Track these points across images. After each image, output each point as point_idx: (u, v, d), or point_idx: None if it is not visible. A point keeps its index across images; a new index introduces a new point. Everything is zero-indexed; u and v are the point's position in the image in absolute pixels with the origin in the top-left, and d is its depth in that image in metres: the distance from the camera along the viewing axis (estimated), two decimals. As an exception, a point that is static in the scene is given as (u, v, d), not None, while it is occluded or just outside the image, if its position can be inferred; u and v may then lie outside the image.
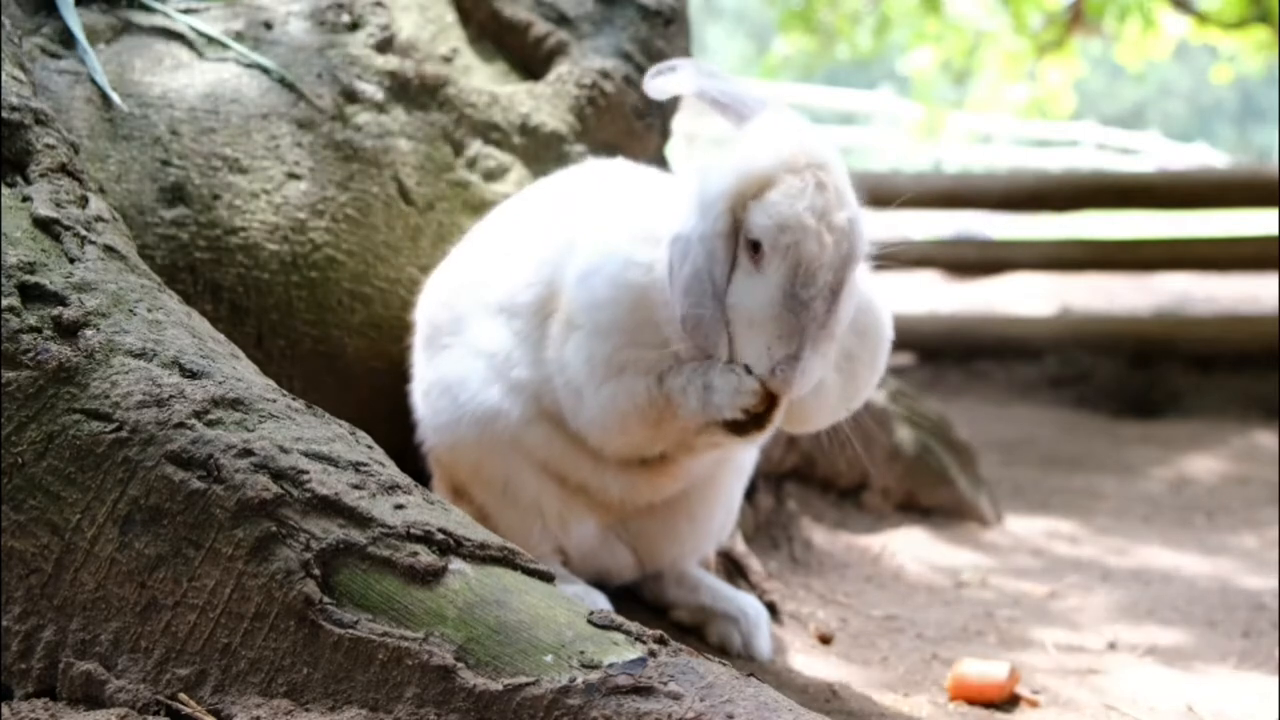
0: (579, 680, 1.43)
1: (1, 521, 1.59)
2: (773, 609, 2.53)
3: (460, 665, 1.46)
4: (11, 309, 1.66)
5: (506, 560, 1.59)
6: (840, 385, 2.03)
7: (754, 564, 2.66)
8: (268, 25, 2.65)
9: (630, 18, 2.91)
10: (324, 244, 2.48)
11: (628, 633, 1.50)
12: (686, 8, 3.04)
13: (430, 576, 1.53)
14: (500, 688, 1.44)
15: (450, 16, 2.87)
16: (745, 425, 1.95)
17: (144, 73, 2.46)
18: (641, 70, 2.85)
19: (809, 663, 2.37)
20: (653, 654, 1.47)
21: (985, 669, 2.26)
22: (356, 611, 1.51)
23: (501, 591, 1.53)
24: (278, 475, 1.57)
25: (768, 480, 3.06)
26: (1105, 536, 3.72)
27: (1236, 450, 5.15)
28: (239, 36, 2.60)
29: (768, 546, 2.92)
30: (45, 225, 1.78)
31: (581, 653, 1.46)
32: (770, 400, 1.91)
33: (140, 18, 2.56)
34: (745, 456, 2.38)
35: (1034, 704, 2.25)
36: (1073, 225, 9.49)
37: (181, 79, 2.47)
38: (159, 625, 1.55)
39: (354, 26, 2.70)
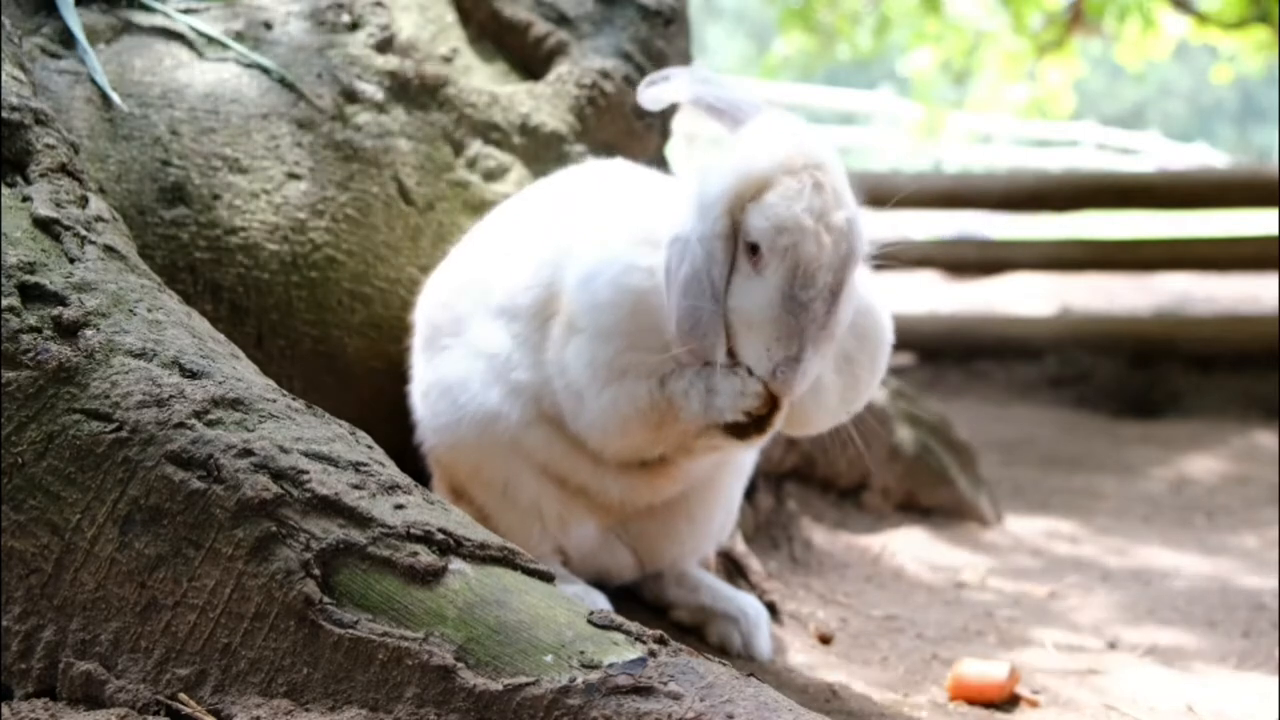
0: (579, 680, 1.43)
1: (1, 521, 1.59)
2: (773, 609, 2.53)
3: (460, 665, 1.46)
4: (11, 309, 1.66)
5: (506, 560, 1.59)
6: (840, 388, 2.03)
7: (754, 564, 2.66)
8: (268, 25, 2.65)
9: (630, 18, 2.91)
10: (324, 244, 2.48)
11: (628, 633, 1.50)
12: (686, 8, 3.04)
13: (430, 576, 1.53)
14: (500, 688, 1.44)
15: (450, 16, 2.87)
16: (746, 428, 1.95)
17: (144, 73, 2.46)
18: (641, 70, 2.85)
19: (809, 663, 2.37)
20: (653, 654, 1.47)
21: (985, 669, 2.26)
22: (356, 611, 1.51)
23: (501, 591, 1.53)
24: (278, 475, 1.57)
25: (768, 480, 3.06)
26: (1105, 536, 3.72)
27: (1236, 450, 5.15)
28: (239, 36, 2.60)
29: (768, 546, 2.92)
30: (45, 225, 1.78)
31: (581, 653, 1.46)
32: (772, 403, 1.92)
33: (140, 18, 2.56)
34: (745, 457, 2.38)
35: (1034, 704, 2.25)
36: (1073, 225, 9.49)
37: (181, 79, 2.47)
38: (159, 625, 1.55)
39: (354, 26, 2.70)
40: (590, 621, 1.51)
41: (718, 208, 1.87)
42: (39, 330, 1.66)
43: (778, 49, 15.43)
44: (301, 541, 1.53)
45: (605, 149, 2.75)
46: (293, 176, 2.48)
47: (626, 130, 2.82)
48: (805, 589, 2.80)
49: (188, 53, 2.53)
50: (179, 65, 2.50)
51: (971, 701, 2.24)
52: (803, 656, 2.40)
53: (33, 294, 1.69)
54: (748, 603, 2.38)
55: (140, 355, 1.66)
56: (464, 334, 2.21)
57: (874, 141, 19.15)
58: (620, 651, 1.47)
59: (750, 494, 2.83)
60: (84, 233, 1.79)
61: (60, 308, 1.68)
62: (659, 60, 2.90)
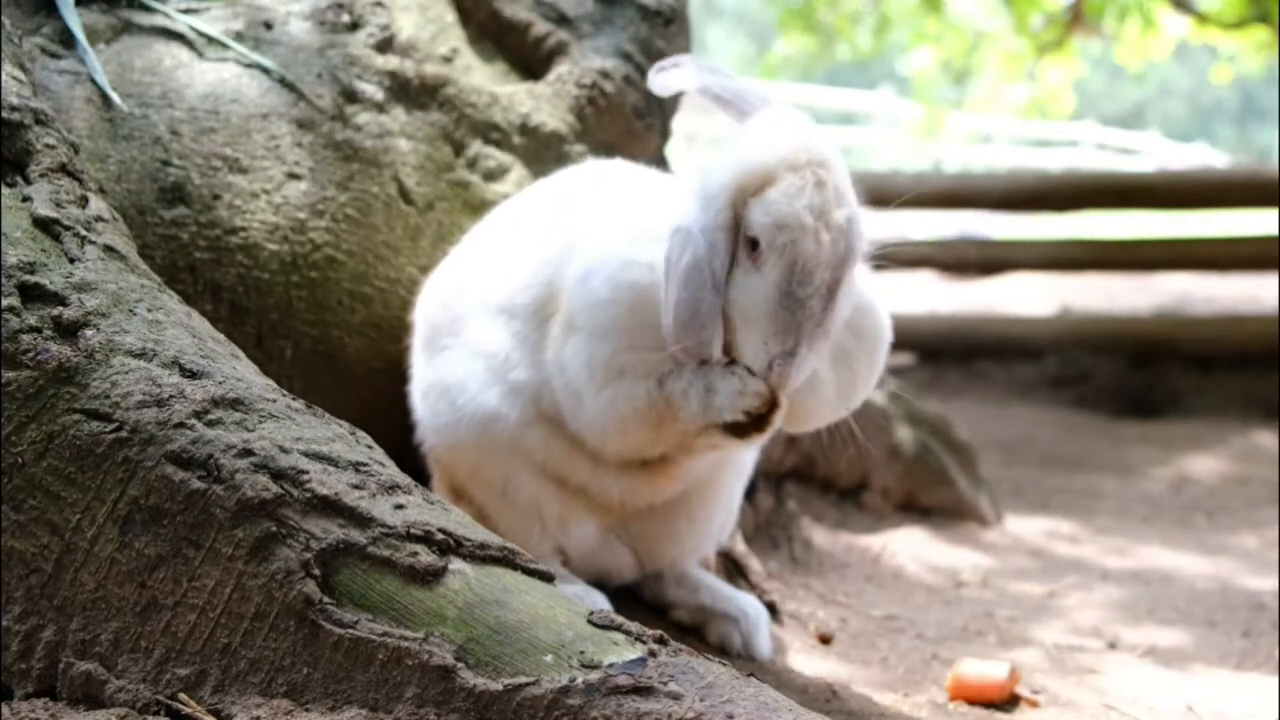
0: (579, 680, 1.43)
1: (1, 521, 1.59)
2: (773, 609, 2.53)
3: (460, 665, 1.46)
4: (11, 309, 1.66)
5: (506, 560, 1.59)
6: (838, 384, 2.03)
7: (754, 564, 2.66)
8: (268, 25, 2.65)
9: (630, 18, 2.91)
10: (324, 244, 2.48)
11: (628, 633, 1.50)
12: (686, 8, 3.04)
13: (430, 576, 1.53)
14: (500, 688, 1.44)
15: (450, 16, 2.87)
16: (745, 428, 1.95)
17: (144, 73, 2.46)
18: (641, 70, 2.85)
19: (809, 663, 2.37)
20: (653, 654, 1.47)
21: (985, 669, 2.26)
22: (356, 611, 1.51)
23: (501, 591, 1.53)
24: (278, 475, 1.57)
25: (768, 480, 3.06)
26: (1105, 536, 3.72)
27: (1236, 450, 5.15)
28: (239, 36, 2.60)
29: (768, 546, 2.92)
30: (45, 225, 1.78)
31: (581, 653, 1.46)
32: (771, 403, 1.92)
33: (140, 18, 2.56)
34: (745, 457, 2.38)
35: (1034, 704, 2.25)
36: (1073, 225, 9.49)
37: (181, 79, 2.47)
38: (159, 625, 1.55)
39: (354, 26, 2.70)
40: (590, 621, 1.51)
41: (720, 199, 1.87)
42: (39, 330, 1.66)
43: (778, 49, 15.43)
44: (301, 541, 1.53)
45: (605, 149, 2.75)
46: (293, 176, 2.48)
47: (626, 130, 2.82)
48: (805, 589, 2.80)
49: (188, 53, 2.53)
50: (179, 65, 2.50)
51: (971, 701, 2.24)
52: (803, 656, 2.40)
53: (33, 294, 1.69)
54: (748, 603, 2.38)
55: (140, 355, 1.66)
56: (463, 334, 2.21)
57: (874, 141, 19.16)
58: (620, 651, 1.47)
59: (750, 494, 2.83)
60: (84, 233, 1.79)
61: (60, 308, 1.68)
62: (659, 60, 2.90)
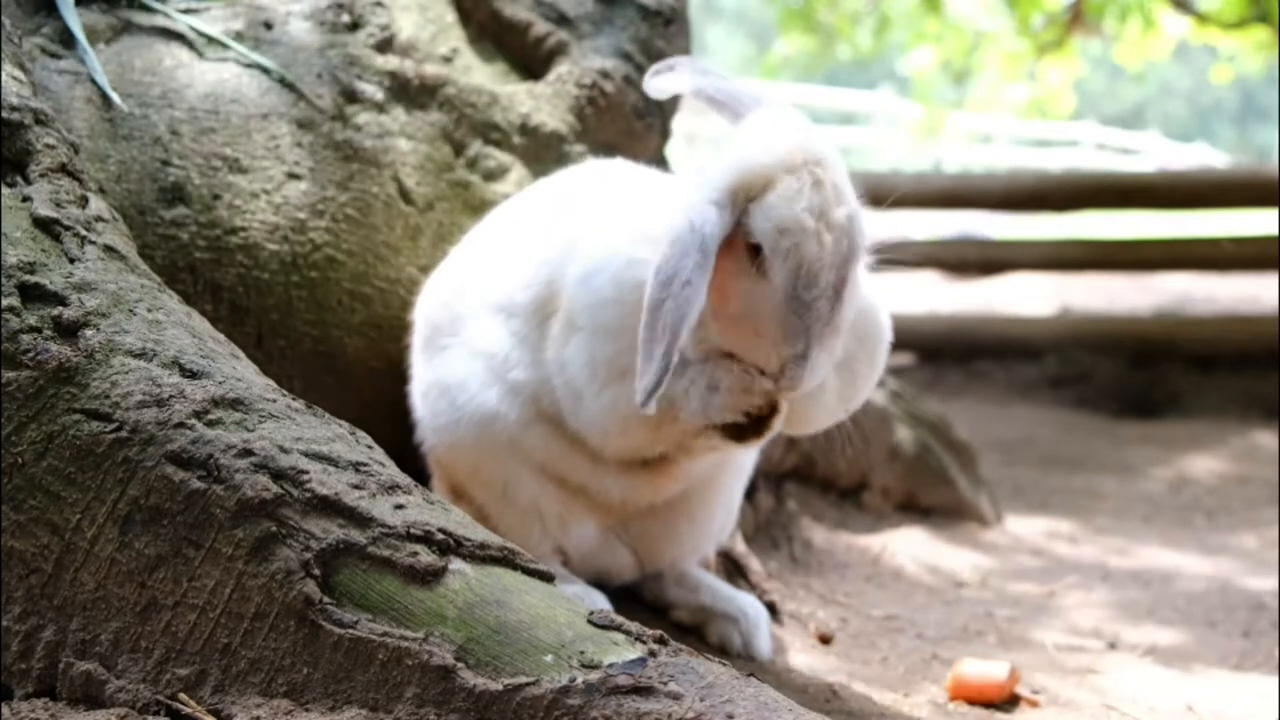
0: (579, 680, 1.43)
1: (1, 521, 1.59)
2: (773, 609, 2.53)
3: (460, 665, 1.46)
4: (11, 309, 1.66)
5: (506, 560, 1.59)
6: (839, 387, 2.03)
7: (754, 564, 2.66)
8: (268, 25, 2.65)
9: (630, 18, 2.91)
10: (324, 244, 2.48)
11: (628, 633, 1.50)
12: (686, 8, 3.04)
13: (430, 576, 1.53)
14: (500, 688, 1.44)
15: (450, 16, 2.87)
16: (745, 430, 1.95)
17: (144, 73, 2.46)
18: (641, 70, 2.85)
19: (809, 663, 2.37)
20: (653, 654, 1.47)
21: (985, 669, 2.26)
22: (356, 611, 1.51)
23: (501, 591, 1.53)
24: (278, 475, 1.57)
25: (768, 480, 3.06)
26: (1105, 536, 3.72)
27: (1236, 450, 5.15)
28: (239, 36, 2.60)
29: (768, 546, 2.92)
30: (45, 225, 1.78)
31: (581, 653, 1.46)
32: (771, 405, 1.91)
33: (140, 18, 2.56)
34: (746, 457, 2.38)
35: (1034, 704, 2.25)
36: (1073, 225, 9.49)
37: (181, 79, 2.47)
38: (159, 625, 1.55)
39: (354, 26, 2.70)
40: (590, 621, 1.51)
41: (717, 200, 1.85)
42: (39, 330, 1.66)
43: (778, 49, 15.43)
44: (301, 541, 1.53)
45: (605, 149, 2.75)
46: (293, 176, 2.48)
47: (626, 130, 2.82)
48: (805, 589, 2.80)
49: (188, 53, 2.53)
50: (179, 65, 2.50)
51: (971, 701, 2.24)
52: (803, 656, 2.40)
53: (33, 294, 1.69)
54: (748, 603, 2.37)
55: (140, 355, 1.66)
56: (463, 333, 2.21)
57: (874, 141, 19.15)
58: (620, 651, 1.47)
59: (750, 494, 2.83)
60: (84, 233, 1.79)
61: (60, 308, 1.68)
62: (659, 60, 2.90)
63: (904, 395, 3.60)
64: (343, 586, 1.52)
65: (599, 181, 2.26)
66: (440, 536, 1.56)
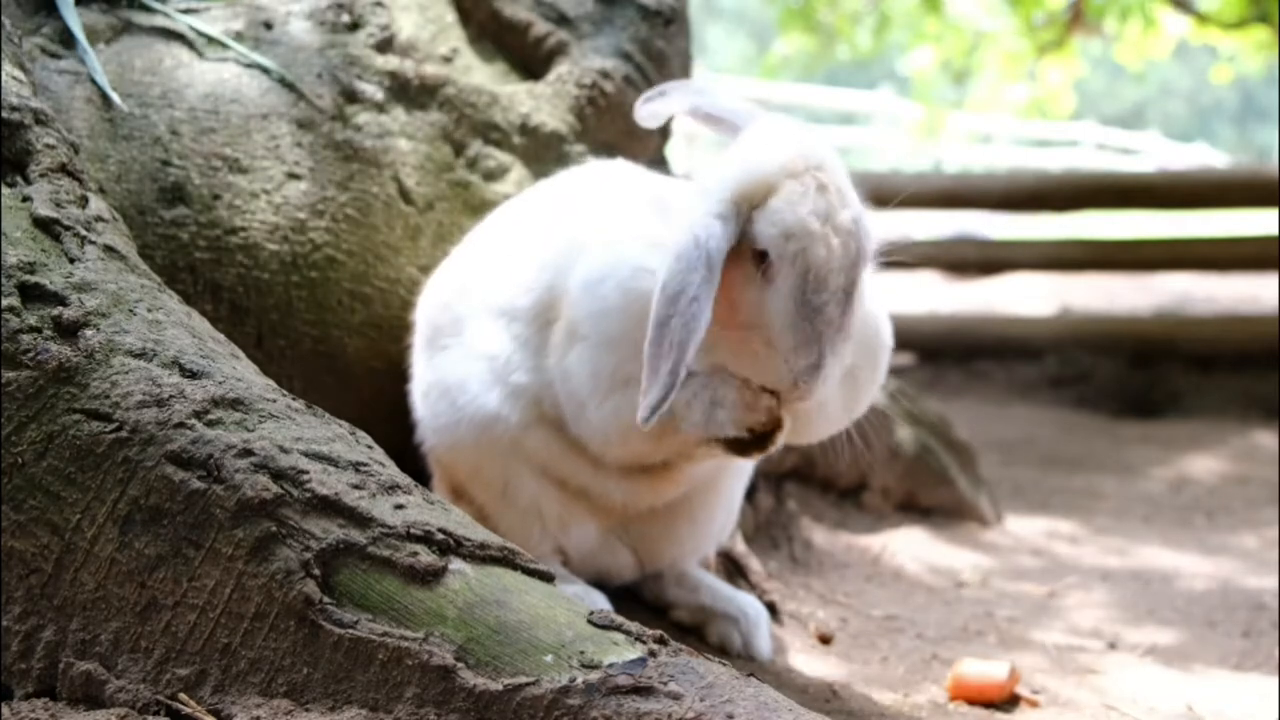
0: (579, 680, 1.43)
1: (1, 521, 1.59)
2: (773, 609, 2.53)
3: (460, 665, 1.46)
4: (11, 309, 1.66)
5: (506, 560, 1.59)
6: (842, 396, 2.03)
7: (754, 564, 2.66)
8: (268, 25, 2.65)
9: (630, 18, 2.91)
10: (324, 244, 2.48)
11: (628, 633, 1.50)
12: (686, 8, 3.04)
13: (430, 576, 1.53)
14: (500, 688, 1.44)
15: (450, 16, 2.87)
16: (748, 445, 1.94)
17: (144, 73, 2.46)
18: (641, 70, 2.85)
19: (809, 663, 2.37)
20: (653, 654, 1.47)
21: (985, 669, 2.26)
22: (356, 611, 1.51)
23: (501, 591, 1.53)
24: (278, 475, 1.57)
25: (768, 480, 3.06)
26: (1105, 536, 3.72)
27: (1236, 450, 5.15)
28: (239, 36, 2.60)
29: (768, 546, 2.92)
30: (45, 225, 1.78)
31: (581, 653, 1.46)
32: (775, 420, 1.90)
33: (140, 18, 2.56)
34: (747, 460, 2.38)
35: (1034, 704, 2.25)
36: (1073, 225, 9.50)
37: (181, 79, 2.47)
38: (159, 625, 1.55)
39: (354, 26, 2.70)
40: (590, 621, 1.51)
41: (720, 210, 1.84)
42: (39, 330, 1.66)
43: (778, 49, 15.44)
44: (301, 541, 1.53)
45: (605, 149, 2.75)
46: (293, 176, 2.48)
47: (626, 130, 2.82)
48: (805, 589, 2.80)
49: (188, 53, 2.53)
50: (179, 65, 2.50)
51: (971, 701, 2.23)
52: (803, 656, 2.40)
53: (33, 294, 1.69)
54: (748, 603, 2.37)
55: (140, 355, 1.66)
56: (464, 334, 2.21)
57: (874, 141, 19.14)
58: (620, 651, 1.47)
59: (750, 494, 2.83)
60: (84, 233, 1.79)
61: (60, 308, 1.68)
62: (659, 60, 2.90)
63: (904, 395, 3.60)
64: (343, 586, 1.52)
65: (600, 184, 2.25)
66: (440, 536, 1.56)
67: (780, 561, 2.90)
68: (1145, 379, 6.02)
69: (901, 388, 3.65)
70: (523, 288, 2.12)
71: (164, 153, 2.38)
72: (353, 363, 2.52)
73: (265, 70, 2.56)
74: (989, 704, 2.23)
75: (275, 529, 1.54)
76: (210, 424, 1.61)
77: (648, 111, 2.07)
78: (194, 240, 2.36)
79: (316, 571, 1.52)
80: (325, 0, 2.71)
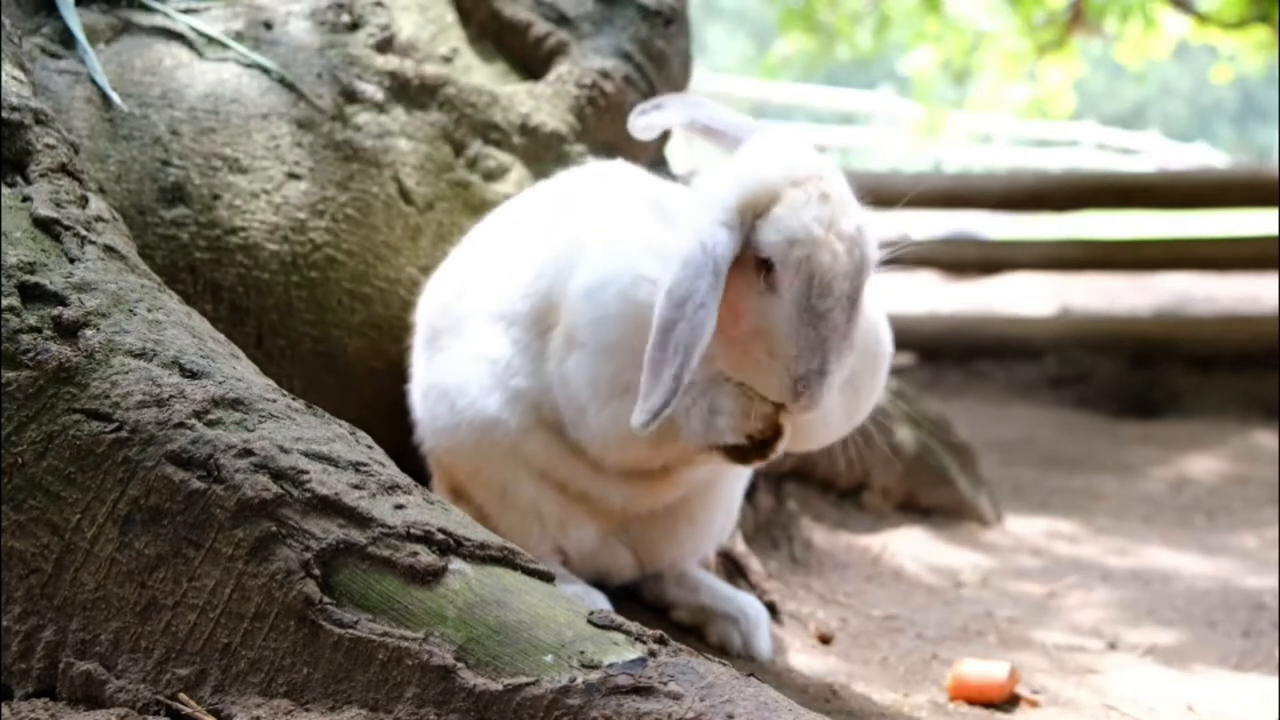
0: (579, 680, 1.43)
1: (1, 521, 1.59)
2: (773, 609, 2.53)
3: (460, 665, 1.46)
4: (11, 309, 1.66)
5: (506, 560, 1.59)
6: (843, 403, 2.03)
7: (754, 564, 2.66)
8: (268, 25, 2.65)
9: (630, 18, 2.91)
10: (324, 244, 2.48)
11: (628, 633, 1.50)
12: (686, 8, 3.04)
13: (430, 576, 1.53)
14: (500, 688, 1.44)
15: (450, 16, 2.87)
16: (748, 452, 1.93)
17: (144, 73, 2.46)
18: (641, 70, 2.85)
19: (809, 663, 2.37)
20: (653, 654, 1.47)
21: (985, 669, 2.26)
22: (356, 611, 1.51)
23: (501, 591, 1.53)
24: (278, 475, 1.57)
25: (768, 480, 3.06)
26: (1105, 536, 3.72)
27: (1236, 450, 5.15)
28: (239, 36, 2.60)
29: (768, 546, 2.92)
30: (45, 225, 1.78)
31: (581, 653, 1.46)
32: (775, 428, 1.90)
33: (140, 18, 2.56)
34: (747, 461, 2.38)
35: (1034, 704, 2.25)
36: (1073, 225, 9.50)
37: (181, 79, 2.47)
38: (159, 625, 1.55)
39: (354, 26, 2.70)
40: (590, 621, 1.51)
41: (724, 218, 1.83)
42: (39, 330, 1.66)
43: (778, 49, 15.44)
44: (301, 541, 1.53)
45: (605, 149, 2.75)
46: (293, 176, 2.48)
47: (626, 130, 2.81)
48: (805, 589, 2.80)
49: (188, 53, 2.53)
50: (179, 65, 2.50)
51: (971, 701, 2.24)
52: (803, 656, 2.40)
53: (33, 294, 1.69)
54: (748, 603, 2.37)
55: (140, 355, 1.66)
56: (463, 336, 2.20)
57: (874, 141, 19.14)
58: (620, 651, 1.47)
59: (750, 494, 2.83)
60: (84, 233, 1.79)
61: (60, 308, 1.68)
62: (659, 60, 2.90)
63: (904, 395, 3.60)
64: (343, 586, 1.52)
65: (599, 186, 2.25)
66: (440, 536, 1.56)
67: (780, 561, 2.90)
68: (1145, 379, 6.02)
69: (901, 388, 3.65)
70: (521, 292, 2.12)
71: (164, 153, 2.38)
72: (353, 363, 2.52)
73: (265, 70, 2.56)
74: (989, 704, 2.23)
75: (275, 529, 1.54)
76: (210, 424, 1.61)
77: (644, 123, 2.07)
78: (194, 240, 2.36)
79: (316, 571, 1.52)
80: (325, 0, 2.71)
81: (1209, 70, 16.11)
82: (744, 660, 2.30)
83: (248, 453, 1.58)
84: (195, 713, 1.50)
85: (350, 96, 2.61)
